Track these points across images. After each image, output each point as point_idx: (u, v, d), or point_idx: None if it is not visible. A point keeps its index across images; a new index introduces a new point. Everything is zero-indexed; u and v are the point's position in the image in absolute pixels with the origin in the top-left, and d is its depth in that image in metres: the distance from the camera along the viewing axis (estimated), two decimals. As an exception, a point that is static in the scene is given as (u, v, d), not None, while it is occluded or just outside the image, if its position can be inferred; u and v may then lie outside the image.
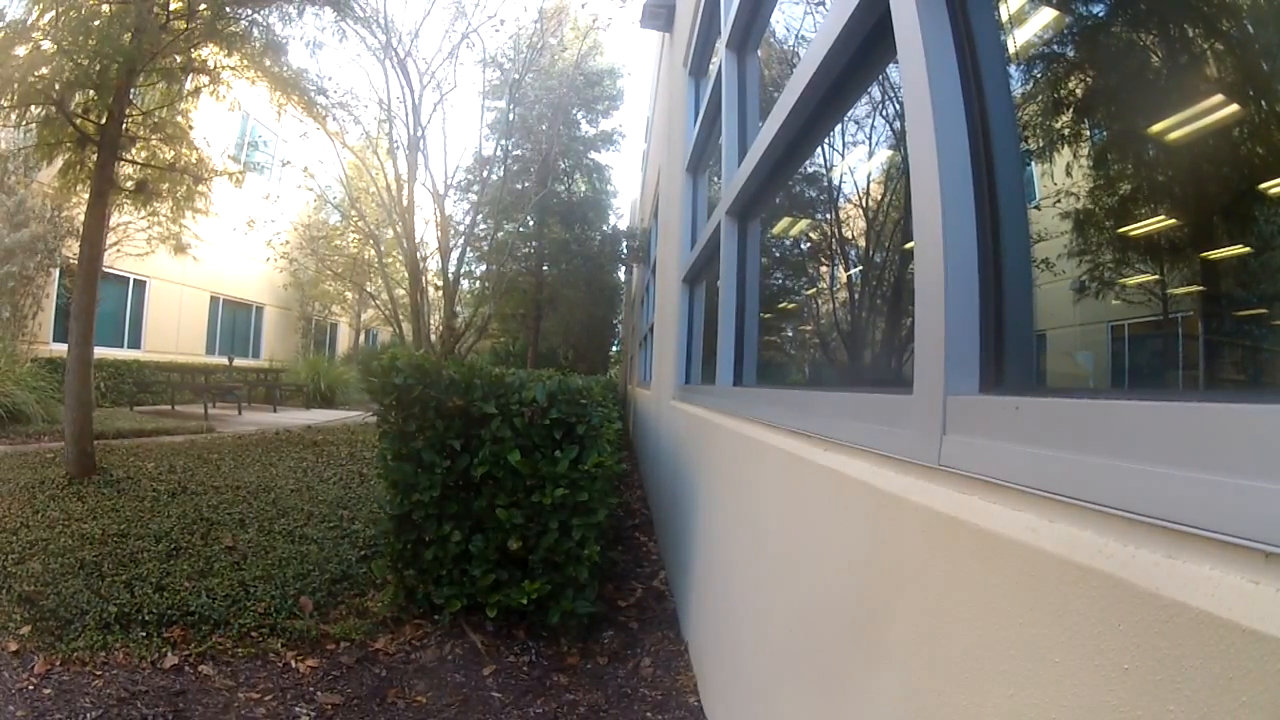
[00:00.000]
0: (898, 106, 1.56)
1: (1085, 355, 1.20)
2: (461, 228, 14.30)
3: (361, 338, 24.73)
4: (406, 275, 12.84)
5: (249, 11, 6.56)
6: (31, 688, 2.73)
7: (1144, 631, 0.64)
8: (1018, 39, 1.26)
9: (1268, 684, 0.53)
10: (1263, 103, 0.83)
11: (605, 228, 19.58)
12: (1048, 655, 0.76)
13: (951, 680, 0.95)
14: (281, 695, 2.83)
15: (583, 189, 19.83)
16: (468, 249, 14.25)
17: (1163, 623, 0.62)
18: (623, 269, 19.03)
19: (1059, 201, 1.13)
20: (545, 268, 18.11)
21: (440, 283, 13.33)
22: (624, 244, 16.68)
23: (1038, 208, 1.17)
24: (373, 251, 15.09)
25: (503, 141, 14.85)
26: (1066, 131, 1.16)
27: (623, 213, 21.78)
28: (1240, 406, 0.62)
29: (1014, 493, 0.91)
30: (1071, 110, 1.17)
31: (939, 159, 1.16)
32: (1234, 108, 0.84)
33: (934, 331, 1.15)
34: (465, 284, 17.35)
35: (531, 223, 17.51)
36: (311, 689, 2.88)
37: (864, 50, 1.67)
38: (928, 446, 1.14)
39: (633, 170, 20.82)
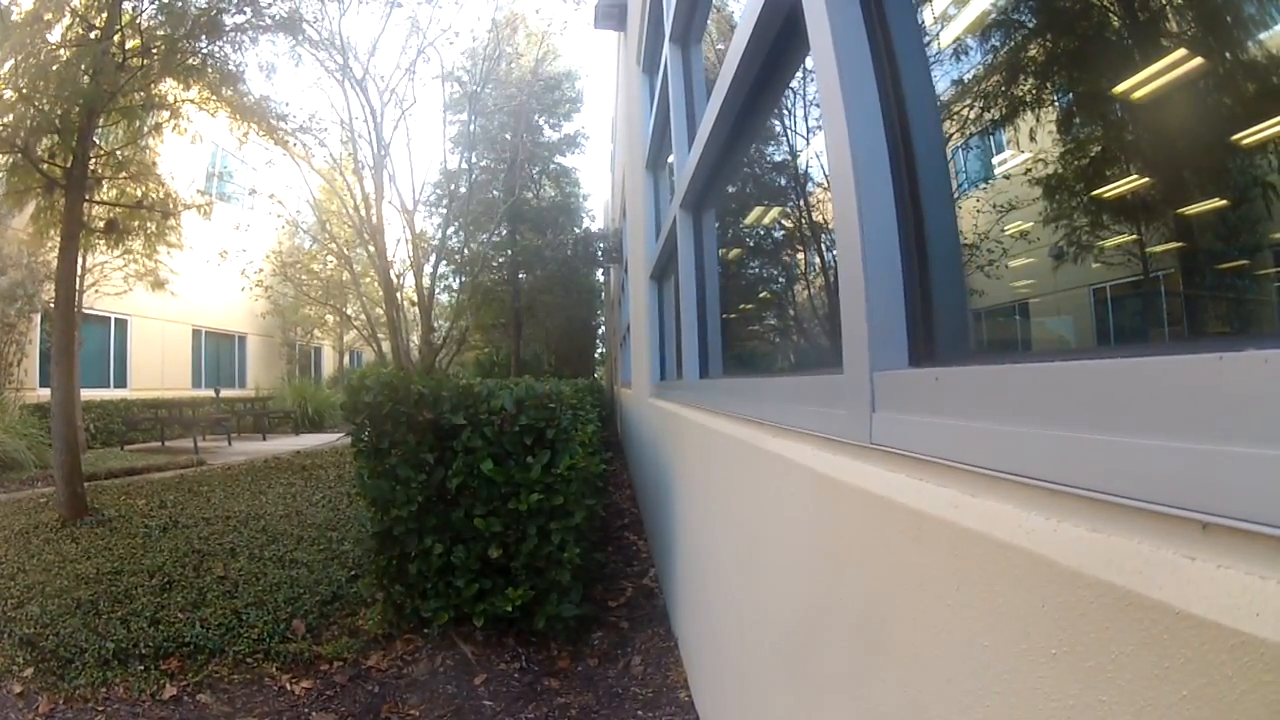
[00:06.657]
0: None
1: (1021, 322, 1.14)
2: (434, 242, 14.29)
3: (346, 359, 24.62)
4: (382, 294, 12.86)
5: (203, 44, 6.57)
6: (32, 729, 2.78)
7: (1068, 614, 0.59)
8: (934, 5, 1.22)
9: (1211, 676, 0.46)
10: (1210, 82, 0.78)
11: (577, 230, 19.38)
12: (977, 639, 0.72)
13: (892, 666, 0.93)
14: (278, 718, 2.87)
15: (551, 194, 19.68)
16: (441, 262, 14.24)
17: (1088, 603, 0.57)
18: (600, 270, 18.99)
19: (1010, 175, 1.07)
20: (521, 275, 18.01)
21: (416, 298, 13.35)
22: (598, 245, 16.65)
23: (996, 178, 1.11)
24: (348, 274, 15.06)
25: (467, 154, 14.83)
26: (990, 104, 1.11)
27: (595, 215, 21.71)
28: (1170, 359, 0.55)
29: (939, 468, 0.88)
30: (993, 81, 1.11)
31: (849, 134, 1.13)
32: (1137, 77, 0.81)
33: (856, 307, 1.13)
34: (445, 297, 17.35)
35: (504, 231, 17.42)
36: (307, 710, 2.92)
37: (784, 33, 1.68)
38: (859, 425, 1.12)
39: (603, 172, 20.74)
